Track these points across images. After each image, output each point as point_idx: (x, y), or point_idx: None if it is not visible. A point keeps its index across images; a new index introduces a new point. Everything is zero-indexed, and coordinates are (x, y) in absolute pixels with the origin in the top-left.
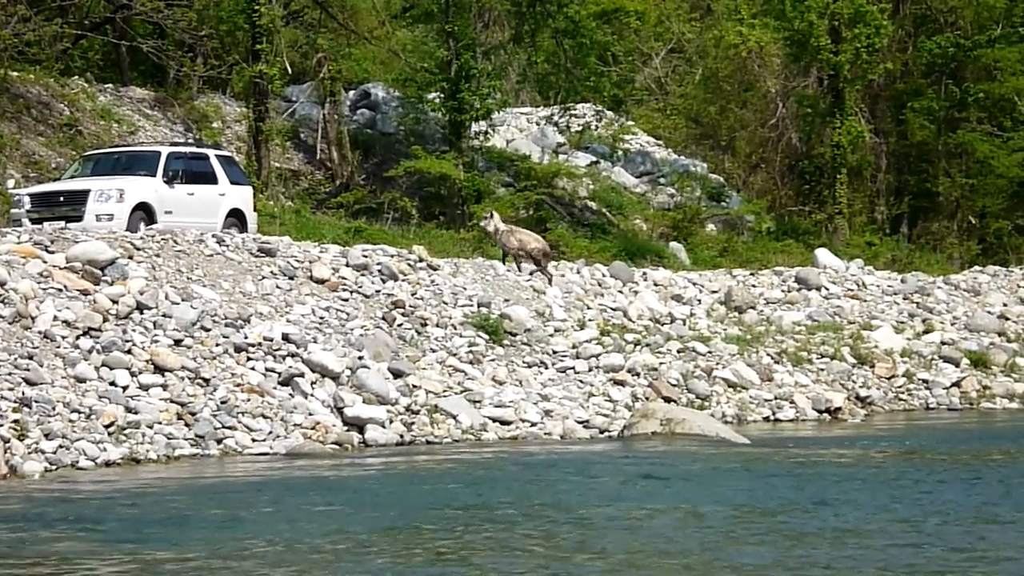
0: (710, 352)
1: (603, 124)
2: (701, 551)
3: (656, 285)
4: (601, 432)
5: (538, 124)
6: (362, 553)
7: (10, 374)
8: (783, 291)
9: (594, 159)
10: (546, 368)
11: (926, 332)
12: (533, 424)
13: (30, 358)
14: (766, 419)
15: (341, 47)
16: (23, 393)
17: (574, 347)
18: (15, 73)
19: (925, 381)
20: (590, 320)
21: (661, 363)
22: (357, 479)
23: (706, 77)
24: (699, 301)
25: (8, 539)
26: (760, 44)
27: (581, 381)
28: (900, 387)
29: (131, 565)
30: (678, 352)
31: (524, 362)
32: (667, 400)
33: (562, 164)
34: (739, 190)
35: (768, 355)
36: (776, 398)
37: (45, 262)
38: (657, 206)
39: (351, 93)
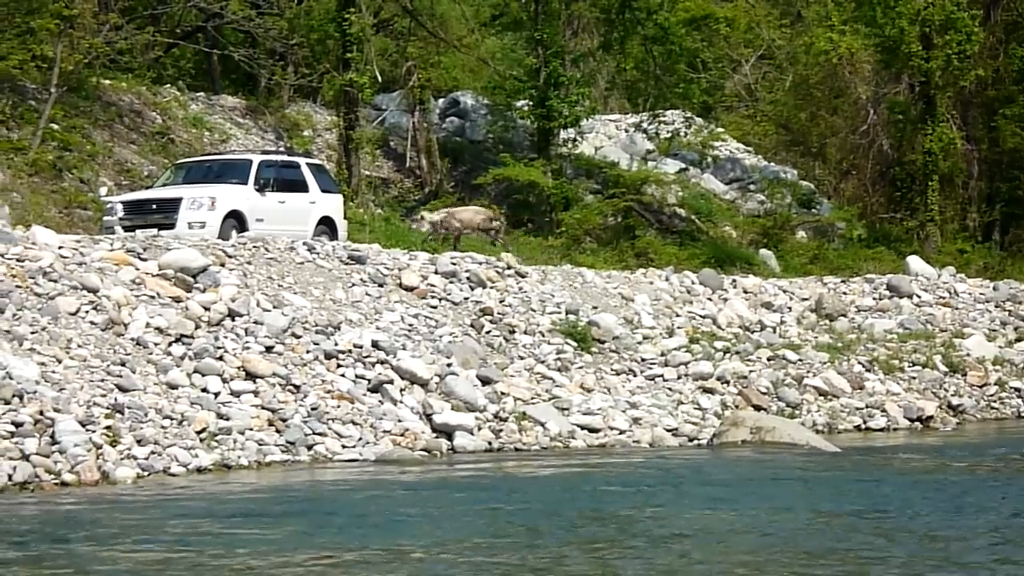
0: (800, 360)
1: (692, 131)
2: (821, 554)
3: (746, 292)
4: (690, 440)
5: (627, 131)
6: (463, 558)
7: (103, 380)
8: (874, 299)
9: (683, 166)
10: (634, 376)
11: (1018, 340)
12: (621, 432)
13: (123, 364)
14: (857, 428)
15: (431, 55)
16: (116, 399)
17: (663, 355)
18: (108, 81)
19: (1017, 389)
20: (679, 327)
21: (751, 371)
22: (451, 485)
23: (796, 83)
24: (789, 309)
25: (103, 545)
26: (851, 51)
27: (670, 389)
28: (992, 395)
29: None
30: (768, 360)
31: (612, 369)
32: (757, 408)
33: (651, 171)
34: (830, 197)
35: (859, 363)
36: (867, 407)
37: (138, 269)
38: (747, 213)
39: (440, 101)
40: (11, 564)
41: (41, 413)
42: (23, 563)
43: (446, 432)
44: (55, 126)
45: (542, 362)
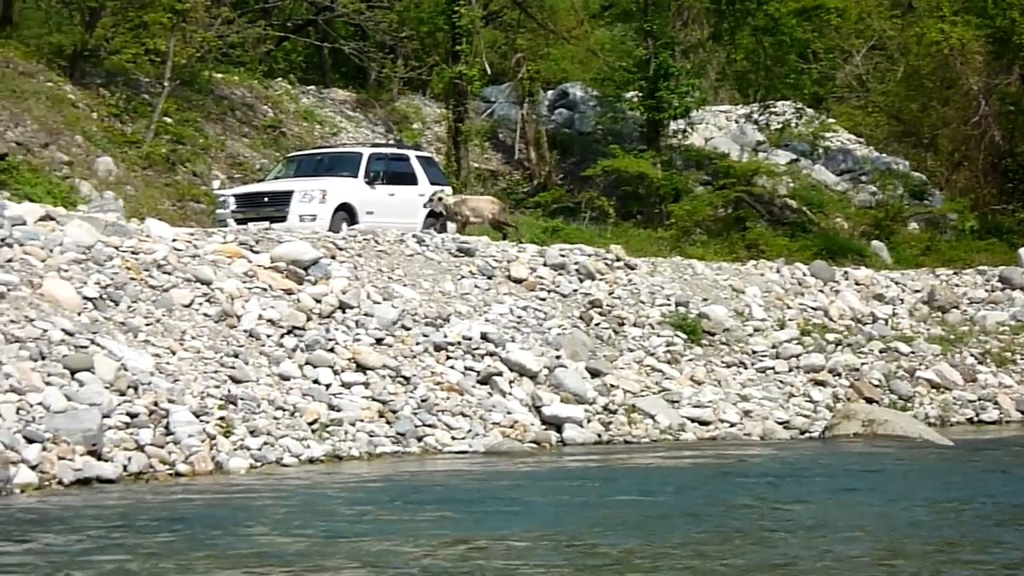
0: (913, 352)
1: (803, 122)
2: (951, 543)
3: (857, 284)
4: (801, 433)
5: (737, 122)
6: (586, 549)
7: (216, 372)
8: (987, 291)
9: (794, 157)
10: (745, 368)
11: None
12: (732, 425)
13: (236, 356)
14: (969, 421)
15: (540, 47)
16: (229, 391)
17: (774, 347)
18: (220, 75)
19: None
20: (790, 320)
21: (863, 363)
22: (573, 475)
23: (907, 74)
24: (901, 301)
25: (219, 533)
26: (962, 41)
27: (781, 381)
28: None
29: (357, 560)
30: (880, 352)
31: (723, 362)
32: (869, 401)
33: (761, 162)
34: (941, 188)
35: (972, 355)
36: (980, 399)
37: (250, 262)
38: (858, 204)
39: (549, 93)
40: (182, 547)
41: (156, 404)
42: (194, 547)
43: (555, 424)
44: (168, 120)
45: (652, 354)
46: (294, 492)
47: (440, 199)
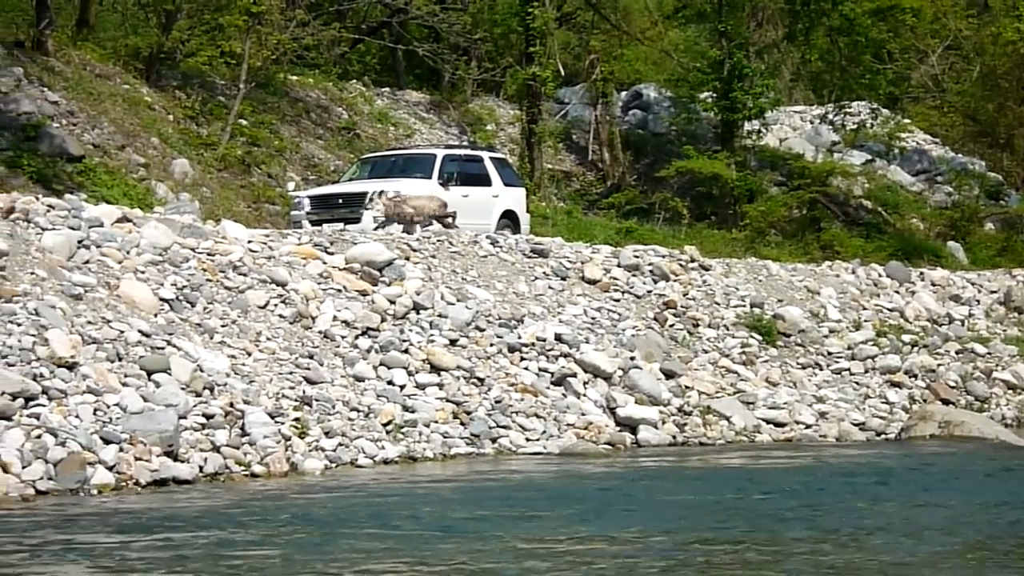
0: (989, 353)
1: (878, 122)
2: None
3: (933, 285)
4: (877, 435)
5: (812, 122)
6: (695, 545)
7: (291, 373)
8: None
9: (869, 157)
10: (820, 369)
11: None
12: (808, 426)
13: (310, 357)
14: None
15: (613, 48)
16: (304, 392)
17: (849, 348)
18: (295, 77)
19: None
20: (866, 321)
21: (939, 364)
22: (653, 476)
23: (983, 74)
24: (978, 301)
25: (347, 531)
26: None
27: (857, 383)
28: None
29: (430, 564)
30: (956, 353)
31: (798, 363)
32: (945, 402)
33: (836, 163)
34: (1018, 188)
35: None
36: None
37: (325, 263)
38: (934, 205)
39: (623, 94)
40: (285, 545)
41: (231, 405)
42: (322, 543)
43: (630, 426)
44: (244, 122)
45: (727, 356)
46: (388, 490)
47: (379, 197)
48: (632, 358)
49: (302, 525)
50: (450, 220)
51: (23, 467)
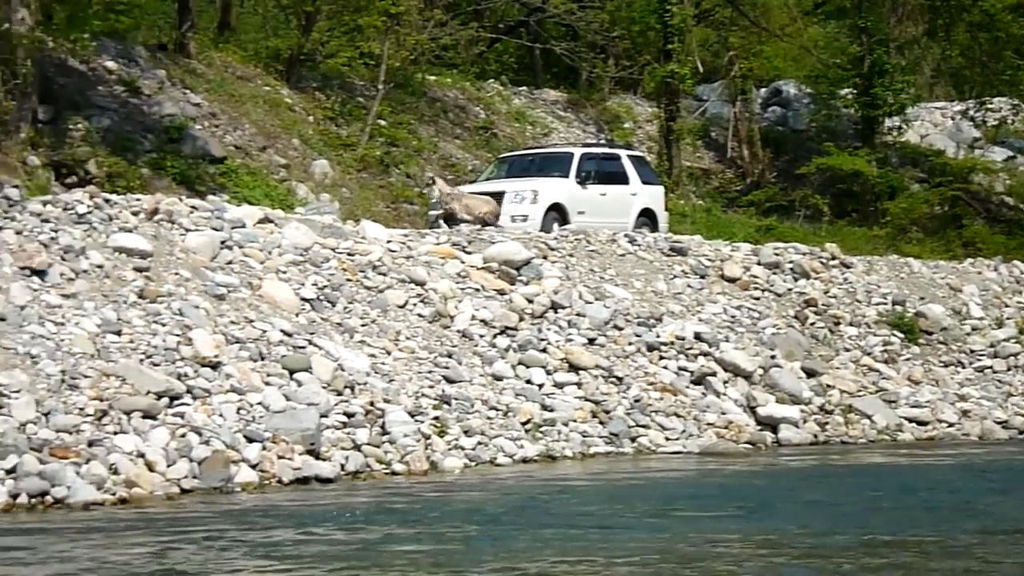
0: None
1: (1020, 118)
2: None
3: None
4: (1020, 433)
5: (953, 119)
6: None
7: (430, 372)
8: None
9: (1011, 154)
10: (963, 367)
11: None
12: (950, 425)
13: (449, 356)
14: None
15: (752, 45)
16: (443, 391)
17: (992, 346)
18: (433, 77)
19: None
20: (1008, 319)
21: None
22: (803, 475)
23: None
24: None
25: (510, 528)
26: None
27: (1000, 381)
28: None
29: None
30: None
31: (940, 361)
32: None
33: (978, 159)
34: None
35: None
36: None
37: (463, 262)
38: None
39: (762, 91)
40: (459, 540)
41: (372, 404)
42: (492, 539)
43: (770, 425)
44: (382, 122)
45: (868, 354)
46: (539, 488)
47: (434, 181)
48: (772, 357)
49: (471, 520)
50: (491, 225)
51: (168, 466)
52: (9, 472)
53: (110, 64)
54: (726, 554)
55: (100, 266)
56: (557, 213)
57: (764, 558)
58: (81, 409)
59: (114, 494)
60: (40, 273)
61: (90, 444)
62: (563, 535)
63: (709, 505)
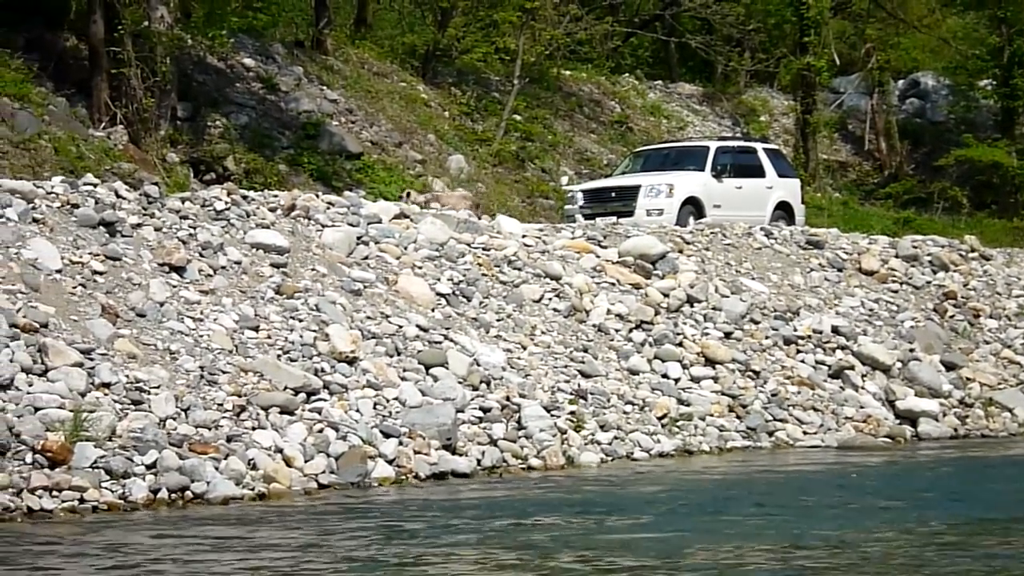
0: None
1: None
2: None
3: None
4: None
5: None
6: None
7: (566, 366)
8: None
9: None
10: None
11: None
12: None
13: (585, 351)
14: None
15: (890, 36)
16: (579, 385)
17: None
18: (568, 72)
19: None
20: None
21: None
22: (963, 467)
23: None
24: None
25: (706, 517)
26: None
27: None
28: None
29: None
30: None
31: None
32: None
33: None
34: None
35: None
36: None
37: (598, 257)
38: None
39: (900, 82)
40: (630, 529)
41: (508, 399)
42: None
43: (909, 418)
44: (517, 117)
45: (1009, 347)
46: (700, 480)
47: (409, 195)
48: (911, 350)
49: (665, 508)
50: None
51: (305, 461)
52: (149, 467)
53: (248, 61)
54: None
55: (238, 262)
56: (693, 207)
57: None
58: (220, 405)
59: (252, 489)
60: (179, 270)
61: (229, 439)
62: (766, 523)
63: (881, 496)
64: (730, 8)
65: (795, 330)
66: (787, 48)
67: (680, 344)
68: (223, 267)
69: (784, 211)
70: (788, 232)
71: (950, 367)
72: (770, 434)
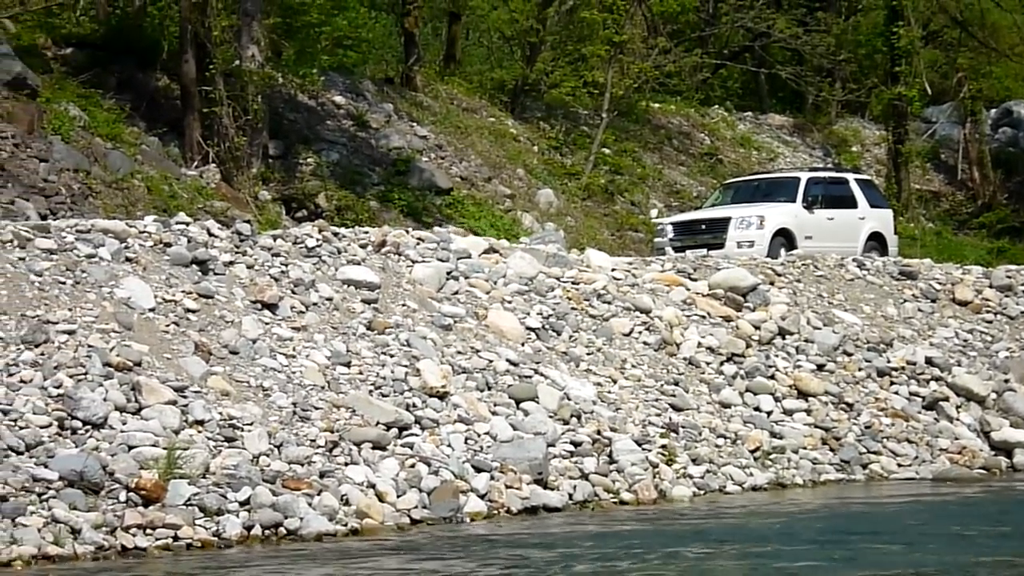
0: None
1: None
2: None
3: None
4: None
5: None
6: None
7: (657, 400)
8: None
9: None
10: None
11: None
12: None
13: (676, 384)
14: None
15: (982, 65)
16: (670, 419)
17: None
18: (657, 105)
19: None
20: None
21: None
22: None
23: None
24: None
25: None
26: None
27: None
28: None
29: None
30: None
31: None
32: None
33: None
34: None
35: None
36: None
37: (688, 289)
38: None
39: (992, 111)
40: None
41: (599, 433)
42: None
43: (1004, 449)
44: (606, 150)
45: None
46: (800, 512)
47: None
48: (1006, 381)
49: (798, 540)
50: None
51: (398, 496)
52: (243, 504)
53: (338, 99)
54: None
55: (329, 299)
56: (784, 238)
57: None
58: (312, 440)
59: (345, 525)
60: (271, 307)
61: (321, 475)
62: (903, 550)
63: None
64: (820, 39)
65: (888, 361)
66: (878, 78)
67: (772, 377)
68: (315, 304)
69: (877, 242)
70: (881, 263)
71: None
72: (864, 467)
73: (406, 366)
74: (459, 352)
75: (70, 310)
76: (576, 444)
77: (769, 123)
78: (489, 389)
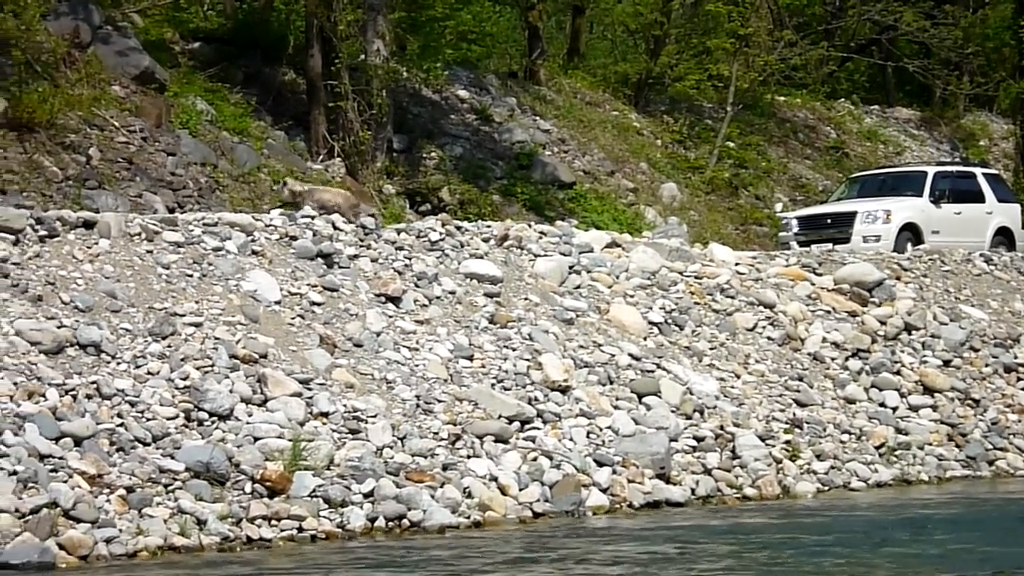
0: None
1: None
2: None
3: None
4: None
5: None
6: None
7: (781, 395)
8: None
9: None
10: None
11: None
12: None
13: (800, 379)
14: None
15: None
16: (794, 414)
17: None
18: (782, 98)
19: None
20: None
21: None
22: None
23: None
24: None
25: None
26: None
27: None
28: None
29: None
30: None
31: None
32: None
33: None
34: None
35: None
36: None
37: (813, 284)
38: None
39: None
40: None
41: (722, 428)
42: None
43: None
44: (731, 144)
45: None
46: (936, 507)
47: (285, 183)
48: None
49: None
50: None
51: (520, 489)
52: (367, 496)
53: (462, 93)
54: None
55: (452, 292)
56: (910, 233)
57: None
58: (435, 433)
59: (468, 517)
60: (395, 300)
61: (444, 468)
62: None
63: None
64: (948, 32)
65: (1016, 357)
66: (1006, 72)
67: (898, 372)
68: (438, 297)
69: (1004, 237)
70: (1008, 258)
71: None
72: (990, 463)
73: (528, 360)
74: (581, 346)
75: (197, 303)
76: (699, 439)
77: (896, 117)
78: (611, 383)
